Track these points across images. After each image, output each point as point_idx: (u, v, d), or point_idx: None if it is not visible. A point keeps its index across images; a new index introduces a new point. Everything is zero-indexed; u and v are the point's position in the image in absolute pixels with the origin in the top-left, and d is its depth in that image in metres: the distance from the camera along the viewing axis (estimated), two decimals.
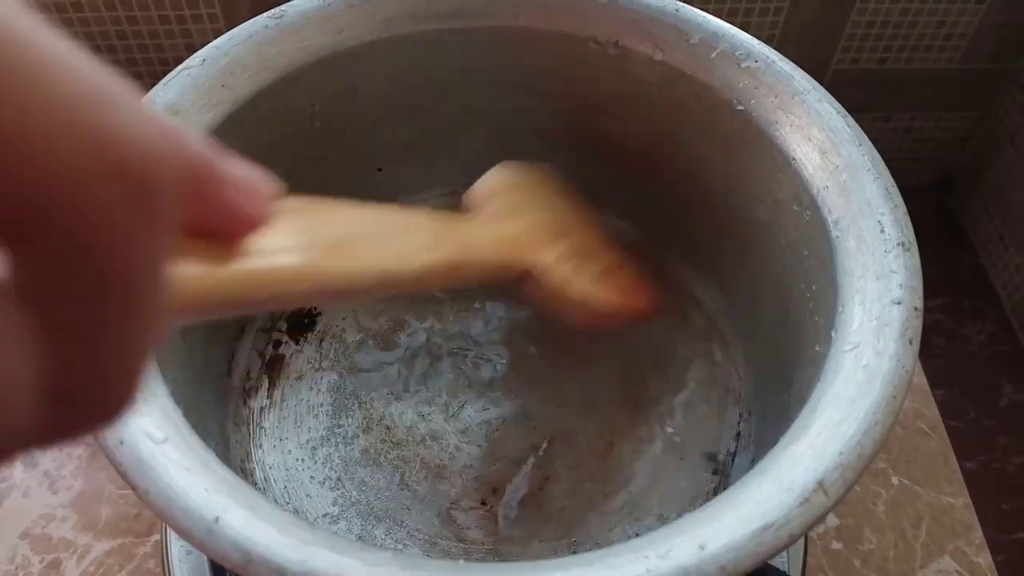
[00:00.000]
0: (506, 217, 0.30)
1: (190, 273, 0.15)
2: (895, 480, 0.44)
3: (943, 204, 0.69)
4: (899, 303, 0.26)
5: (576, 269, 0.31)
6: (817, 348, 0.28)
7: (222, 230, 0.15)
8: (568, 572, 0.21)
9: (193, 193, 0.14)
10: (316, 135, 0.36)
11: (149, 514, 0.42)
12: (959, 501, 0.43)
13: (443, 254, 0.24)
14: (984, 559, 0.41)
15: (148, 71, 0.58)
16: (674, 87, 0.35)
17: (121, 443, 0.23)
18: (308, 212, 0.20)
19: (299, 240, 0.18)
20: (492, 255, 0.28)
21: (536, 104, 0.39)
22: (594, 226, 0.37)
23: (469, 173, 0.42)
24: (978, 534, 0.42)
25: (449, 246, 0.25)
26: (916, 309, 0.26)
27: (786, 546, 0.22)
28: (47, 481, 0.43)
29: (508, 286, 0.29)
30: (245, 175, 0.15)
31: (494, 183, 0.31)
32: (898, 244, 0.27)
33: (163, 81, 0.32)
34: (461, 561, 0.21)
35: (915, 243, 0.27)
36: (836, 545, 0.41)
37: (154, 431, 0.23)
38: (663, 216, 0.40)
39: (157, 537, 0.41)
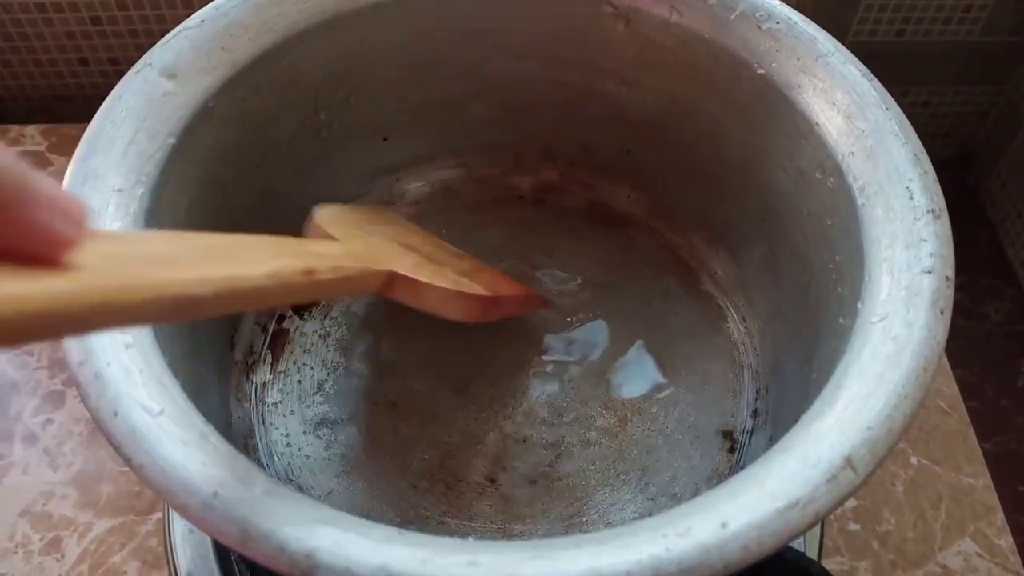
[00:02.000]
0: (347, 239, 0.28)
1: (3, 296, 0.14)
2: (914, 460, 0.42)
3: (962, 180, 0.68)
4: (930, 272, 0.25)
5: (437, 269, 0.31)
6: (841, 320, 0.27)
7: (34, 252, 0.14)
8: (581, 550, 0.20)
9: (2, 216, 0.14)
10: (319, 101, 0.35)
11: (151, 492, 0.41)
12: (979, 482, 0.42)
13: (291, 260, 0.22)
14: (1006, 541, 0.40)
15: (149, 43, 0.57)
16: (691, 51, 0.33)
17: (115, 415, 0.22)
18: (133, 237, 0.19)
19: (125, 255, 0.17)
20: (344, 262, 0.25)
21: (547, 70, 0.37)
22: (445, 244, 0.36)
23: (478, 142, 0.41)
24: (999, 515, 0.41)
25: (298, 254, 0.23)
26: (948, 279, 0.25)
27: (812, 525, 0.21)
28: (47, 458, 0.42)
29: (375, 293, 0.28)
30: (56, 193, 0.14)
31: (328, 214, 0.29)
32: (928, 211, 0.26)
33: (160, 42, 0.30)
34: (470, 539, 0.20)
35: (945, 210, 0.26)
36: (854, 526, 0.40)
37: (150, 403, 0.22)
38: (677, 186, 0.39)
39: (159, 515, 0.40)
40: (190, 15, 0.31)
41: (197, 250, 0.20)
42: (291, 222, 0.38)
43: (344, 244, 0.28)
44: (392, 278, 0.28)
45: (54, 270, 0.15)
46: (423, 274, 0.29)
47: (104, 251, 0.16)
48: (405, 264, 0.29)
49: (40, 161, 0.54)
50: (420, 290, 0.29)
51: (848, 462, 0.21)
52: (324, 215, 0.29)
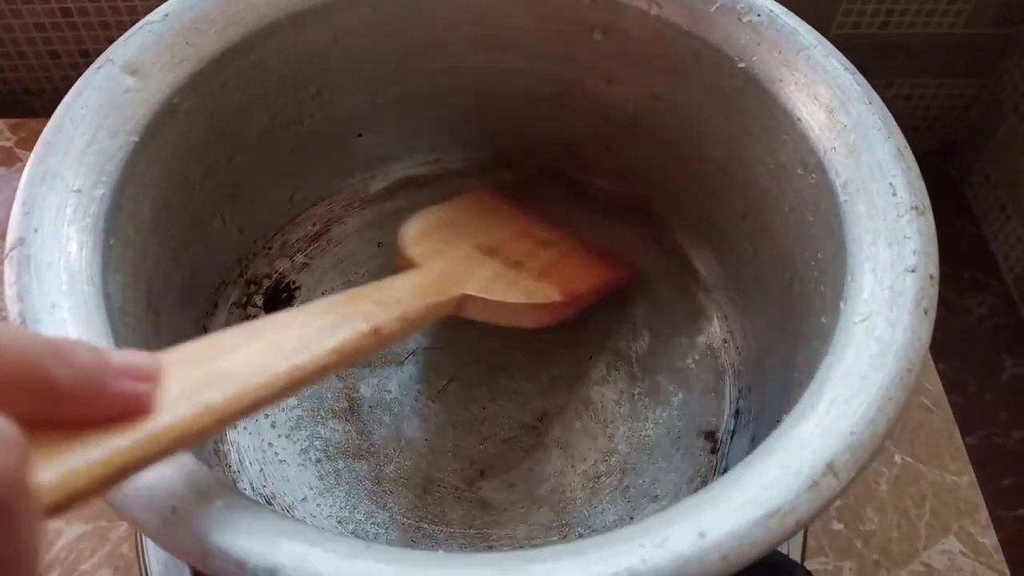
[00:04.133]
0: (426, 261, 0.29)
1: (98, 457, 0.16)
2: (897, 458, 0.42)
3: (944, 173, 0.67)
4: (913, 271, 0.24)
5: (513, 278, 0.31)
6: (824, 320, 0.26)
7: (125, 413, 0.17)
8: (559, 562, 0.20)
9: (87, 396, 0.16)
10: (290, 98, 0.34)
11: None
12: (964, 479, 0.42)
13: (355, 325, 0.23)
14: (990, 539, 0.40)
15: (121, 35, 0.56)
16: (671, 44, 0.32)
17: None
18: (200, 352, 0.20)
19: (194, 381, 0.19)
20: (412, 305, 0.26)
21: (525, 65, 0.37)
22: (533, 230, 0.36)
23: (455, 139, 0.41)
24: (984, 513, 0.40)
25: (357, 317, 0.24)
26: (932, 277, 0.24)
27: (793, 533, 0.20)
28: None
29: (451, 318, 0.28)
30: (127, 360, 0.17)
31: (414, 230, 0.31)
32: (911, 208, 0.25)
33: (122, 38, 0.29)
34: (441, 552, 0.20)
35: (929, 207, 0.26)
36: (837, 526, 0.40)
37: None
38: (658, 182, 0.38)
39: None
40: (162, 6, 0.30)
41: (262, 346, 0.20)
42: (262, 221, 0.38)
43: (420, 273, 0.29)
44: (463, 300, 0.29)
45: (140, 421, 0.17)
46: (494, 291, 0.30)
47: (177, 383, 0.18)
48: (478, 281, 0.30)
49: (8, 157, 0.53)
50: (490, 307, 0.29)
51: (830, 468, 0.21)
52: (408, 235, 0.31)
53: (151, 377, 0.17)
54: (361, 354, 0.23)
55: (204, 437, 0.18)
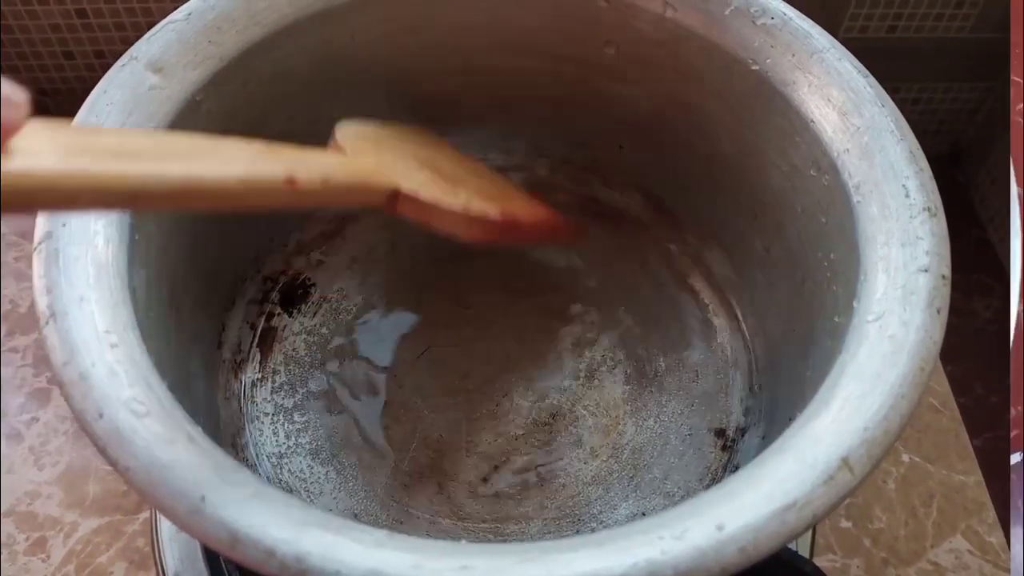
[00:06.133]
0: (358, 153, 0.27)
1: None
2: (905, 457, 0.42)
3: (951, 177, 0.68)
4: (926, 271, 0.24)
5: (450, 188, 0.29)
6: (836, 319, 0.26)
7: None
8: (575, 553, 0.20)
9: None
10: (310, 97, 0.35)
11: None
12: (971, 479, 0.42)
13: (271, 166, 0.22)
14: (997, 538, 0.40)
15: (135, 36, 0.56)
16: (685, 47, 0.33)
17: (100, 416, 0.21)
18: (104, 132, 0.20)
19: (81, 146, 0.17)
20: (336, 174, 0.25)
21: (538, 66, 0.37)
22: (476, 165, 0.35)
23: (468, 138, 0.41)
24: (991, 512, 0.41)
25: (283, 161, 0.22)
26: (944, 277, 0.24)
27: (809, 526, 0.21)
28: (32, 457, 0.41)
29: (379, 208, 0.27)
30: None
31: (355, 129, 0.29)
32: (924, 209, 0.26)
33: (147, 35, 0.30)
34: (463, 541, 0.20)
35: (942, 208, 0.26)
36: (845, 524, 0.40)
37: (136, 404, 0.21)
38: (671, 183, 0.39)
39: (146, 514, 0.40)
40: (176, 7, 0.31)
41: (169, 148, 0.20)
42: (279, 219, 0.38)
43: (349, 157, 0.27)
44: (396, 194, 0.27)
45: None
46: (429, 192, 0.28)
47: (59, 141, 0.17)
48: (413, 181, 0.28)
49: None
50: (424, 209, 0.28)
51: (845, 463, 0.21)
52: (343, 129, 0.29)
53: (18, 106, 0.16)
54: (268, 198, 0.22)
55: (66, 203, 0.17)
